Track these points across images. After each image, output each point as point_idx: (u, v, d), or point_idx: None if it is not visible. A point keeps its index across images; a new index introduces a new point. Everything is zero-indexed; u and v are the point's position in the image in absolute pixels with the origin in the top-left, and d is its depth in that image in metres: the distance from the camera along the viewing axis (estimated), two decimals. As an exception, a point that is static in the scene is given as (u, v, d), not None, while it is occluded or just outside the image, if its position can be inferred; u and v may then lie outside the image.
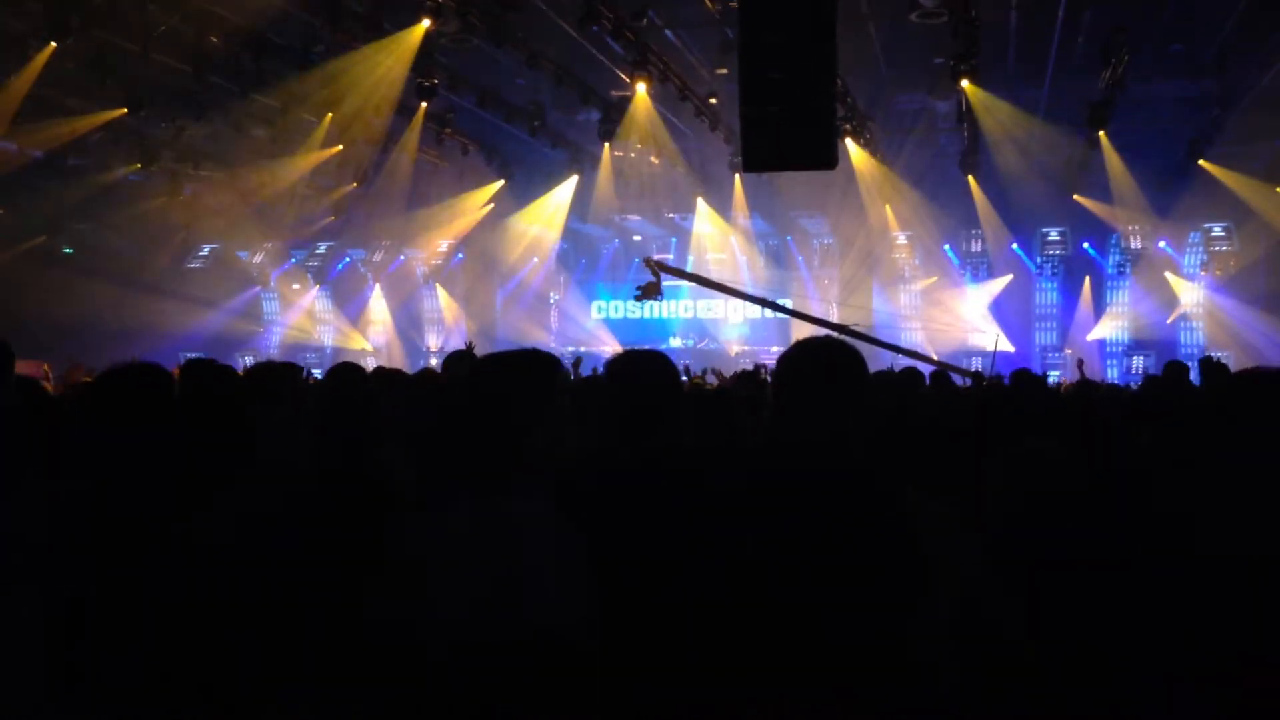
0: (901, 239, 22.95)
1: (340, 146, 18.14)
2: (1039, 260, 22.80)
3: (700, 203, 22.38)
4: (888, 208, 21.44)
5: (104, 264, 20.84)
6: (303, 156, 18.15)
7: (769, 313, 22.32)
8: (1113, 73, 13.51)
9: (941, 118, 16.69)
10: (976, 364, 18.88)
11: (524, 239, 24.23)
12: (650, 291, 11.68)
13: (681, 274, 14.46)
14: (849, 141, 16.63)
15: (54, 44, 12.84)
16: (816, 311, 22.15)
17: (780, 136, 8.29)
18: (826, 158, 8.57)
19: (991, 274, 23.00)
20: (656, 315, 25.17)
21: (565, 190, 21.58)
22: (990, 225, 21.32)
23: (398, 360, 22.57)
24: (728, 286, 17.06)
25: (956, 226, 22.10)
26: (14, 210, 18.63)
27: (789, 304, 24.33)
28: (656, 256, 16.78)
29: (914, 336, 22.93)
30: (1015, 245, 22.45)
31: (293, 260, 25.67)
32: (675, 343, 24.75)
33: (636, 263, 25.31)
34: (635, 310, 24.84)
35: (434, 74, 14.65)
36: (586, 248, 25.74)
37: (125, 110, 15.57)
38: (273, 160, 18.58)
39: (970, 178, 19.14)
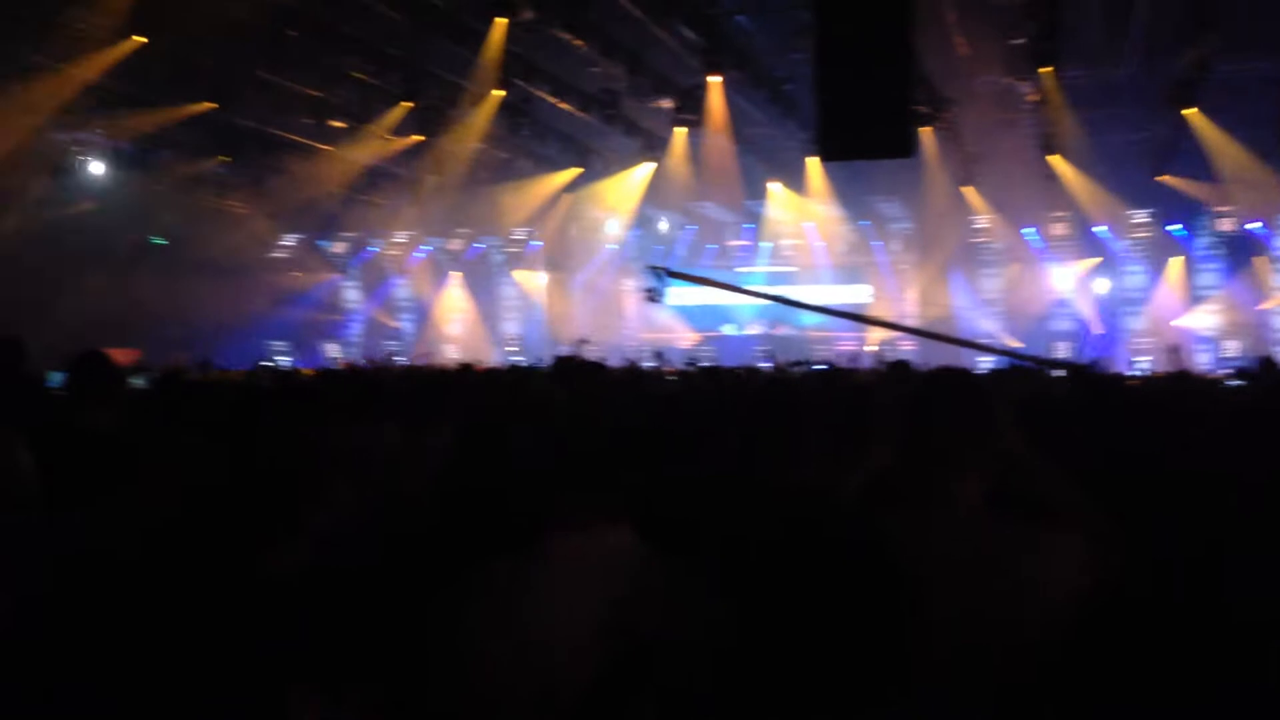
0: (982, 223, 22.51)
1: (417, 136, 18.36)
2: (1126, 243, 22.22)
3: (774, 188, 22.18)
4: (968, 191, 21.06)
5: (191, 255, 21.33)
6: (378, 142, 18.41)
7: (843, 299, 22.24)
8: (1199, 51, 13.11)
9: (1023, 99, 16.32)
10: (1062, 351, 18.54)
11: (599, 225, 24.33)
12: (654, 295, 12.37)
13: (689, 277, 14.57)
14: (927, 126, 16.36)
15: (136, 38, 13.13)
16: (892, 300, 21.96)
17: (857, 125, 8.21)
18: (904, 146, 8.51)
19: (1077, 258, 22.52)
20: (729, 303, 25.14)
21: (639, 175, 21.54)
22: (1075, 208, 20.78)
23: (479, 349, 22.81)
24: (737, 286, 17.03)
25: (1039, 210, 21.60)
26: (106, 204, 19.14)
27: (868, 290, 24.21)
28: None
29: (994, 324, 22.55)
30: (1102, 228, 21.90)
31: (372, 249, 26.06)
32: (728, 329, 25.28)
33: (711, 250, 25.43)
34: (712, 297, 24.85)
35: (509, 63, 14.75)
36: (662, 235, 25.69)
37: (215, 105, 15.94)
38: (350, 147, 18.92)
39: (1053, 159, 18.70)
